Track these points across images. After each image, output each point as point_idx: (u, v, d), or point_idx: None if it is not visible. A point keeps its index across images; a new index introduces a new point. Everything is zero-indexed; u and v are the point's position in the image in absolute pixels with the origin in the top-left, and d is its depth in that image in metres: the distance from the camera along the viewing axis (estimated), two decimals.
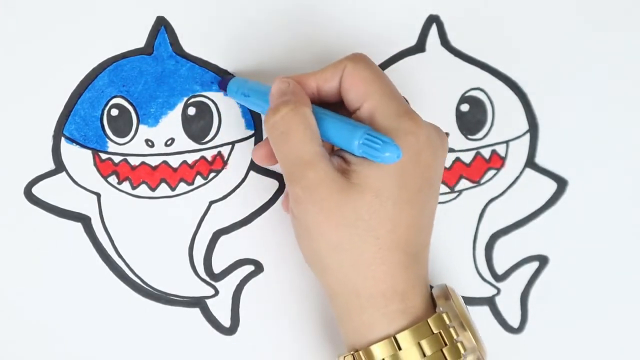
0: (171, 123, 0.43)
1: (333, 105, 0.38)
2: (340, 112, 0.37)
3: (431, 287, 0.38)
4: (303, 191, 0.35)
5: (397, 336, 0.35)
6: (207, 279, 0.43)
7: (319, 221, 0.35)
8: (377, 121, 0.35)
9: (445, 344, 0.35)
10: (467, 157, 0.43)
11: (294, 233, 0.37)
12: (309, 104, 0.36)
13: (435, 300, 0.37)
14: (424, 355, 0.35)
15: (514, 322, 0.43)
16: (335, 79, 0.37)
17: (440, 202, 0.43)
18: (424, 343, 0.35)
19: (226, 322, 0.43)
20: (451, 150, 0.43)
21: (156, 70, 0.43)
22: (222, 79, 0.42)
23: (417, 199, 0.35)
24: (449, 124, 0.43)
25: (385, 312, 0.35)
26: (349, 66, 0.36)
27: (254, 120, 0.43)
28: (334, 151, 0.37)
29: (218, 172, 0.43)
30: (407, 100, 0.43)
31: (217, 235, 0.43)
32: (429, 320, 0.35)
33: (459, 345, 0.36)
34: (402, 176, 0.35)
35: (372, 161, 0.34)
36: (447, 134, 0.43)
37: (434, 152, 0.36)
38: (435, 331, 0.35)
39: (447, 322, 0.36)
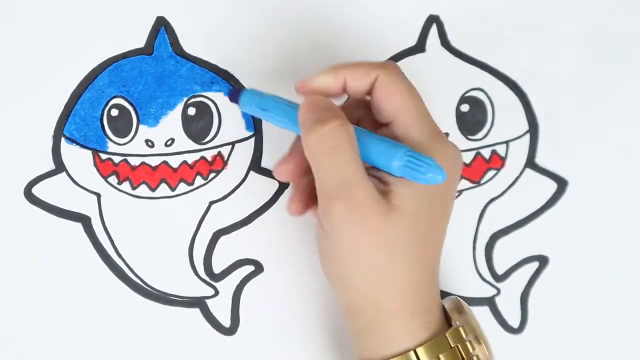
0: (171, 123, 0.43)
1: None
2: (358, 114, 0.37)
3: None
4: (344, 210, 0.33)
5: (417, 350, 0.35)
6: (207, 279, 0.43)
7: (359, 241, 0.34)
8: (413, 139, 0.35)
9: (463, 358, 0.35)
10: (467, 157, 0.43)
11: (318, 248, 0.36)
12: (349, 122, 0.35)
13: (448, 314, 0.37)
14: None
15: (514, 322, 0.43)
16: (364, 81, 0.36)
17: None
18: (442, 357, 0.35)
19: (226, 322, 0.43)
20: None
21: (156, 71, 0.43)
22: (232, 89, 0.41)
23: (442, 217, 0.36)
24: (449, 124, 0.43)
25: (409, 328, 0.35)
26: (383, 75, 0.35)
27: (253, 121, 0.43)
28: (369, 170, 0.35)
29: (218, 172, 0.43)
30: None
31: (217, 236, 0.43)
32: (447, 334, 0.35)
33: (475, 358, 0.36)
34: (433, 197, 0.35)
35: (409, 181, 0.33)
36: (447, 134, 0.43)
37: (457, 175, 0.37)
38: (452, 345, 0.35)
39: (464, 336, 0.36)
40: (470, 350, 0.36)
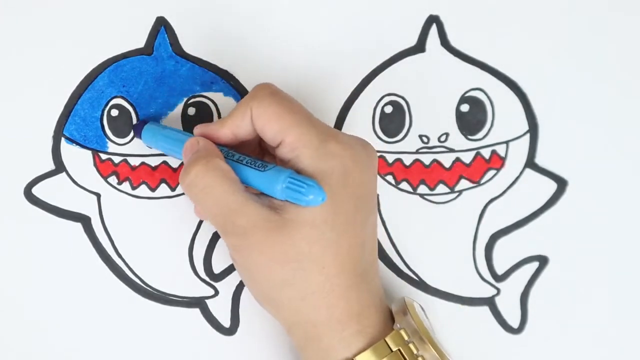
0: (171, 123, 0.42)
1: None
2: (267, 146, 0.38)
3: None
4: (238, 239, 0.35)
5: (356, 359, 0.35)
6: (207, 279, 0.43)
7: (261, 264, 0.35)
8: (302, 153, 0.35)
9: None
10: (467, 158, 0.43)
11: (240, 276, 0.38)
12: (221, 155, 0.35)
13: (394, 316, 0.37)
14: None
15: (514, 322, 0.43)
16: (245, 121, 0.36)
17: (440, 202, 0.43)
18: None
19: (226, 322, 0.43)
20: (451, 150, 0.43)
21: (156, 71, 0.43)
22: (136, 124, 0.42)
23: (355, 219, 0.35)
24: (449, 124, 0.43)
25: (343, 337, 0.35)
26: (254, 107, 0.36)
27: None
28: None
29: None
30: (406, 102, 0.43)
31: (217, 236, 0.43)
32: (386, 338, 0.35)
33: (421, 359, 0.36)
34: (336, 201, 0.34)
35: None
36: (447, 134, 0.43)
37: (361, 169, 0.36)
38: (394, 349, 0.35)
39: (406, 338, 0.36)
40: (415, 351, 0.35)
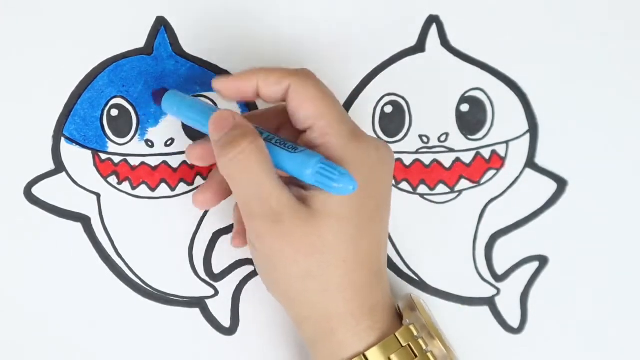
0: (171, 123, 0.42)
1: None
2: (279, 121, 0.38)
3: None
4: (266, 225, 0.34)
5: (367, 353, 0.35)
6: (207, 279, 0.43)
7: (286, 253, 0.34)
8: (331, 142, 0.35)
9: (416, 356, 0.36)
10: (467, 157, 0.43)
11: (255, 266, 0.38)
12: (258, 134, 0.35)
13: (402, 313, 0.37)
14: None
15: (514, 322, 0.43)
16: (276, 89, 0.36)
17: (440, 202, 0.43)
18: (393, 357, 0.35)
19: (226, 322, 0.43)
20: (451, 150, 0.43)
21: (156, 71, 0.43)
22: (155, 90, 0.41)
23: (375, 216, 0.36)
24: (449, 124, 0.43)
25: (356, 331, 0.35)
26: (295, 84, 0.35)
27: None
28: (289, 179, 0.36)
29: None
30: (406, 102, 0.43)
31: (217, 235, 0.43)
32: (396, 333, 0.35)
33: (429, 355, 0.36)
34: (360, 197, 0.34)
35: None
36: (447, 134, 0.43)
37: (384, 169, 0.36)
38: (403, 344, 0.35)
39: (415, 333, 0.36)
40: (424, 346, 0.36)
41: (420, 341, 0.36)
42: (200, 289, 0.43)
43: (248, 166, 0.34)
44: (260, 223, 0.35)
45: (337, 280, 0.35)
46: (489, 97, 0.43)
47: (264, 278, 0.37)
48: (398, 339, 0.36)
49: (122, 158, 0.42)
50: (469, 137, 0.43)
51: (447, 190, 0.43)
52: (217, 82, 0.37)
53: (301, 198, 0.35)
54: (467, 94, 0.43)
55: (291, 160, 0.34)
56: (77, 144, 0.42)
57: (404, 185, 0.43)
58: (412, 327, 0.36)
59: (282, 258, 0.35)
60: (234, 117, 0.35)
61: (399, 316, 0.38)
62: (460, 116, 0.43)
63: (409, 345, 0.36)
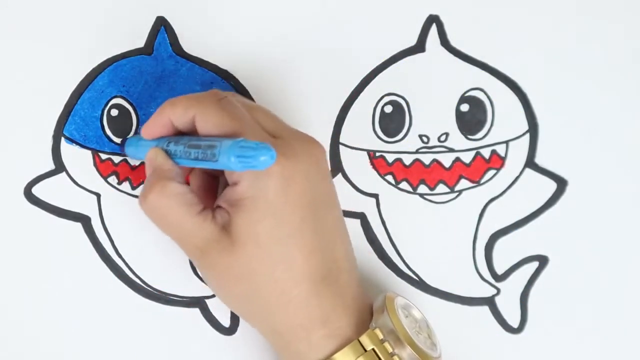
0: None
1: None
2: None
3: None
4: (195, 258, 0.36)
5: None
6: None
7: (220, 282, 0.36)
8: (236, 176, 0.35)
9: None
10: (467, 157, 0.43)
11: None
12: (175, 176, 0.35)
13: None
14: None
15: (514, 322, 0.43)
16: (185, 118, 0.36)
17: (440, 202, 0.43)
18: None
19: (226, 322, 0.43)
20: (451, 150, 0.43)
21: (156, 71, 0.43)
22: (122, 141, 0.42)
23: (303, 228, 0.35)
24: (448, 123, 0.43)
25: (310, 342, 0.35)
26: (199, 112, 0.35)
27: None
28: (218, 204, 0.36)
29: None
30: (406, 102, 0.43)
31: None
32: (360, 338, 0.35)
33: (396, 358, 0.35)
34: (275, 216, 0.34)
35: (249, 207, 0.34)
36: (447, 134, 0.43)
37: (305, 175, 0.35)
38: (368, 348, 0.35)
39: (381, 337, 0.35)
40: (390, 350, 0.35)
41: (387, 345, 0.35)
42: (199, 289, 0.43)
43: (163, 212, 0.35)
44: (191, 256, 0.37)
45: (275, 299, 0.35)
46: (488, 97, 0.43)
47: (219, 299, 0.38)
48: (362, 344, 0.35)
49: (122, 158, 0.42)
50: (469, 137, 0.43)
51: (447, 190, 0.43)
52: (142, 129, 0.38)
53: (225, 224, 0.35)
54: (467, 94, 0.43)
55: (216, 165, 0.34)
56: (77, 144, 0.42)
57: (404, 185, 0.43)
58: (377, 331, 0.35)
59: (218, 285, 0.37)
60: (156, 157, 0.36)
61: (371, 319, 0.37)
62: (460, 116, 0.43)
63: (373, 350, 0.35)
